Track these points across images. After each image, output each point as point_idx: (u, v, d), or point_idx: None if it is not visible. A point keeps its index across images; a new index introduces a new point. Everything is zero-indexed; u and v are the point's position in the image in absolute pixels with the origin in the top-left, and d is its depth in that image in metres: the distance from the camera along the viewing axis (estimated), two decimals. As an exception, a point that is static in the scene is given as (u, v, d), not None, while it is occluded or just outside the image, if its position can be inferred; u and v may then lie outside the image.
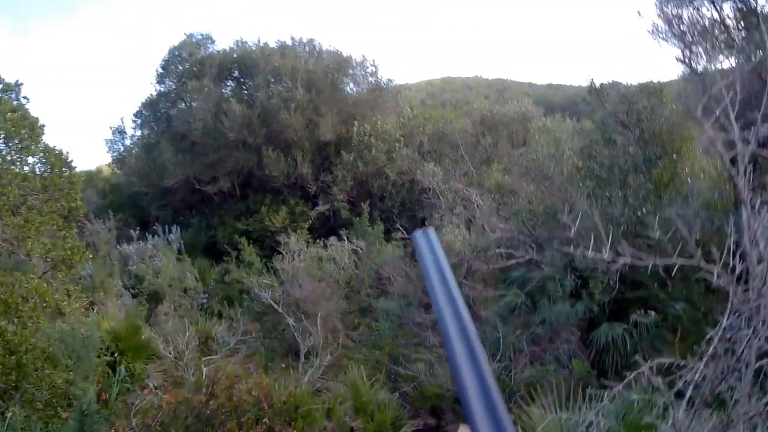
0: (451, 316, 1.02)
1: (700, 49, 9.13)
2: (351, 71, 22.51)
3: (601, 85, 10.92)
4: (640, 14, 9.35)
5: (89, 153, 71.64)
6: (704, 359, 2.81)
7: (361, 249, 14.31)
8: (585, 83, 11.50)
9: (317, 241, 14.94)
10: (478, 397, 0.91)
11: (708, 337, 2.89)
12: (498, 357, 8.64)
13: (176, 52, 23.03)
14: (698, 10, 8.81)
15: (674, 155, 10.24)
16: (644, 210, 9.41)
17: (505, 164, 18.00)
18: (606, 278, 8.95)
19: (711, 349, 2.81)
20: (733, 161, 8.14)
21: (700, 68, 9.24)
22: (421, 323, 11.06)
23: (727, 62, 9.13)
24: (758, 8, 8.01)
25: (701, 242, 9.87)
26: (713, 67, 9.26)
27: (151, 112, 23.59)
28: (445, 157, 19.87)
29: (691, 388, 2.78)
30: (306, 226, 18.06)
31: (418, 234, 1.25)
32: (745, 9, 8.23)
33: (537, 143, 12.65)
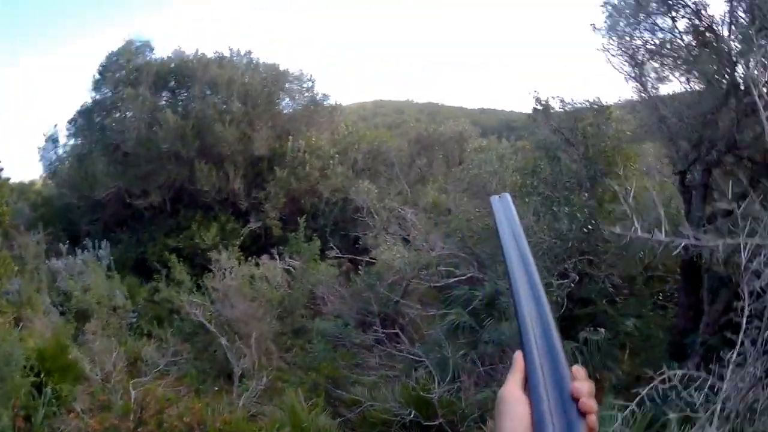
0: (524, 276, 1.05)
1: (651, 67, 9.11)
2: (287, 85, 22.05)
3: (548, 100, 10.81)
4: (595, 27, 9.18)
5: (25, 165, 67.80)
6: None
7: (295, 268, 13.84)
8: (518, 108, 11.49)
9: (249, 259, 14.38)
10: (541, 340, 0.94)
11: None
12: (446, 378, 8.29)
13: (114, 58, 21.97)
14: (651, 27, 8.76)
15: (620, 171, 10.25)
16: (590, 227, 9.32)
17: (440, 183, 17.89)
18: (554, 295, 8.76)
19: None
20: (683, 178, 8.08)
21: (650, 87, 9.23)
22: (360, 344, 10.67)
23: (677, 82, 9.14)
24: (714, 26, 7.98)
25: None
26: (663, 86, 9.29)
27: (86, 120, 22.23)
28: (379, 176, 19.65)
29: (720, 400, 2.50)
30: (237, 243, 17.41)
31: (495, 198, 1.31)
32: (700, 26, 8.21)
33: (478, 159, 12.48)
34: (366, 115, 45.66)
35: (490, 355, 8.78)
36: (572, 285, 8.93)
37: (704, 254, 9.01)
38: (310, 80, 22.29)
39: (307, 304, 13.08)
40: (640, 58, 9.06)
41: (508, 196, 1.29)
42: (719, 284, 9.12)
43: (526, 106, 11.38)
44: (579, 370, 0.91)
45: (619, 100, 10.73)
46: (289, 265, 13.91)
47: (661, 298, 10.05)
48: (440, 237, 11.39)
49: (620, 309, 9.22)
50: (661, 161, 10.22)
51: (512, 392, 0.91)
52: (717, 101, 7.99)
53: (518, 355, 0.95)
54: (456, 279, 10.24)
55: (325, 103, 22.51)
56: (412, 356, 9.47)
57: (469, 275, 10.13)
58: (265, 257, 14.20)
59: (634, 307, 9.37)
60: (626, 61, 9.24)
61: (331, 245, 14.45)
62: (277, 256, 14.24)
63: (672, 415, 4.53)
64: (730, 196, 8.53)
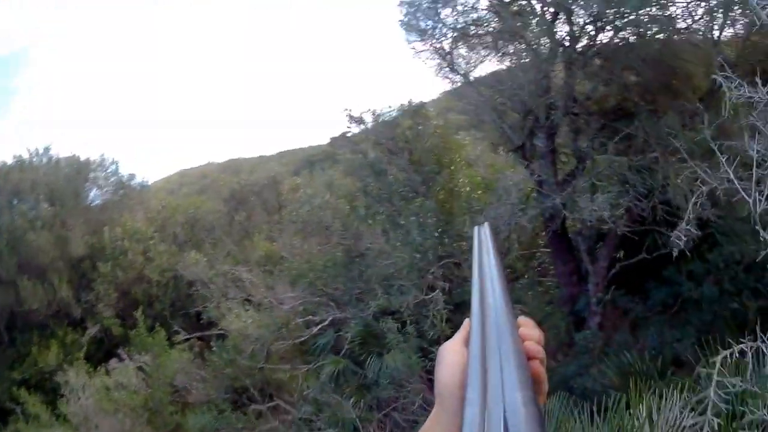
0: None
1: (459, 54, 9.11)
2: (92, 174, 20.85)
3: (361, 116, 10.54)
4: (402, 23, 9.04)
5: None
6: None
7: (147, 364, 12.67)
8: (315, 142, 11.19)
9: (98, 368, 13.21)
10: None
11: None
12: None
13: None
14: (453, 14, 8.73)
15: (451, 168, 10.21)
16: (440, 230, 9.16)
17: (266, 232, 17.36)
18: (431, 312, 8.44)
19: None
20: (524, 152, 8.03)
21: (462, 73, 9.23)
22: (243, 427, 9.84)
23: (491, 63, 9.18)
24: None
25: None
26: (478, 70, 9.33)
27: None
28: (203, 243, 18.78)
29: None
30: (81, 355, 16.00)
31: (476, 228, 1.24)
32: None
33: (305, 195, 11.98)
34: (172, 188, 44.64)
35: (385, 399, 8.31)
36: (443, 293, 8.68)
37: (570, 217, 9.20)
38: (113, 163, 21.21)
39: (171, 399, 11.98)
40: (446, 48, 9.05)
41: (486, 226, 1.23)
42: (596, 242, 9.30)
43: (323, 137, 11.11)
44: (527, 320, 0.89)
45: (440, 96, 10.75)
46: (140, 362, 12.72)
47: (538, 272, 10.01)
48: (287, 288, 10.73)
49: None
50: (494, 142, 10.16)
51: (452, 345, 0.90)
52: (544, 64, 8.07)
53: (467, 320, 0.92)
54: (318, 327, 9.67)
55: (132, 183, 21.51)
56: (302, 420, 8.78)
57: (330, 319, 9.58)
58: (113, 361, 13.00)
59: (518, 293, 9.27)
60: (434, 53, 9.20)
61: (176, 329, 13.40)
62: (126, 357, 13.03)
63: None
64: (578, 153, 8.82)
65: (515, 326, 0.84)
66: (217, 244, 17.51)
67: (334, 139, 10.81)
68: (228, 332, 11.43)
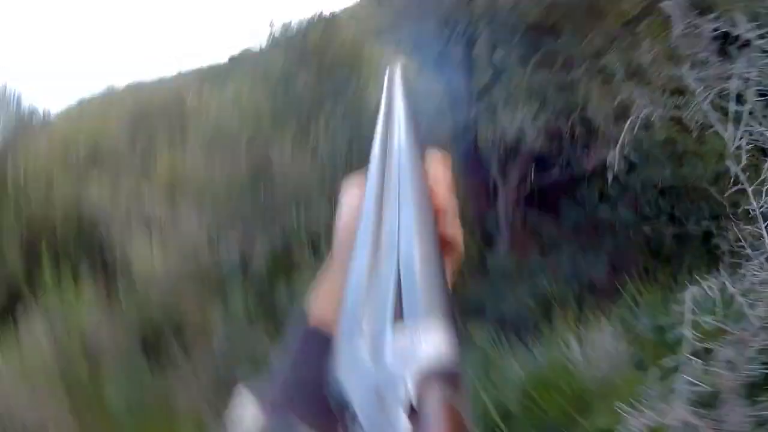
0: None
1: None
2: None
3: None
4: None
5: None
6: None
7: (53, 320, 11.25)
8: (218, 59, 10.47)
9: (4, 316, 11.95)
10: None
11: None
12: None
13: None
14: None
15: (360, 78, 9.81)
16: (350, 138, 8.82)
17: (170, 154, 16.41)
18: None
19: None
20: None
21: None
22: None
23: None
24: None
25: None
26: None
27: None
28: (106, 172, 17.57)
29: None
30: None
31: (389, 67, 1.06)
32: None
33: (214, 106, 11.29)
34: (72, 117, 42.83)
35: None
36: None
37: (482, 132, 8.99)
38: (14, 96, 19.57)
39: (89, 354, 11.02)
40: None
41: (398, 66, 1.02)
42: (506, 159, 9.11)
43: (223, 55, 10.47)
44: (438, 155, 0.74)
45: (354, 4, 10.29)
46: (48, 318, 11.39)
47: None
48: (190, 212, 10.00)
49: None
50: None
51: (357, 180, 0.75)
52: None
53: None
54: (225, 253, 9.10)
55: (33, 117, 19.99)
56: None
57: (237, 244, 9.05)
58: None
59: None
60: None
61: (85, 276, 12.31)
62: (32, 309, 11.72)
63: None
64: (495, 65, 8.58)
65: (421, 170, 0.72)
66: (120, 172, 16.57)
67: (233, 58, 10.17)
68: (133, 268, 10.62)
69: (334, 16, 10.08)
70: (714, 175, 6.65)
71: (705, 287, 2.93)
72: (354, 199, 0.74)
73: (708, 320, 2.98)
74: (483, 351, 5.39)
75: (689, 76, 5.59)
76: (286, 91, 9.72)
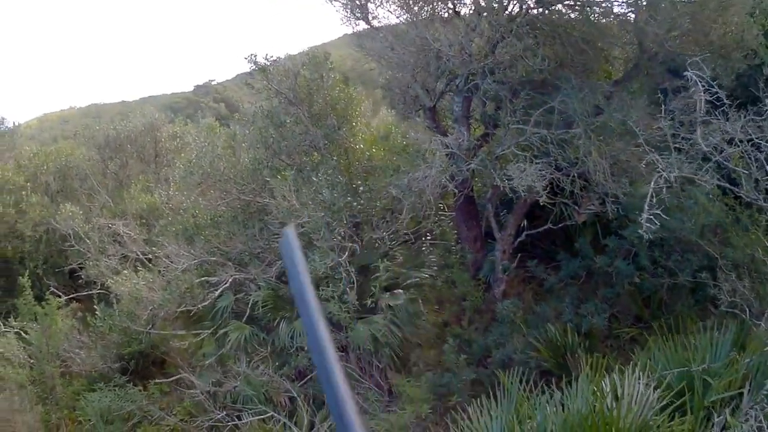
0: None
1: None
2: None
3: (266, 61, 9.81)
4: None
5: None
6: None
7: (24, 332, 10.49)
8: (182, 87, 10.29)
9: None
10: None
11: None
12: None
13: None
14: None
15: (354, 123, 9.94)
16: (356, 185, 8.95)
17: (142, 183, 16.13)
18: (341, 275, 8.18)
19: None
20: (433, 114, 7.93)
21: (359, 27, 8.98)
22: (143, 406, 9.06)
23: (393, 16, 8.93)
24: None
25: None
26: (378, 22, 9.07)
27: None
28: (77, 194, 17.04)
29: None
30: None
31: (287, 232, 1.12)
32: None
33: (198, 145, 11.08)
34: (33, 133, 41.31)
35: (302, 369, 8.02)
36: (354, 255, 8.47)
37: (485, 181, 9.18)
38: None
39: (62, 371, 10.36)
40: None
41: (291, 230, 1.12)
42: (502, 210, 9.42)
43: (187, 84, 10.28)
44: None
45: (338, 39, 10.38)
46: (19, 329, 10.75)
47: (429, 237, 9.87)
48: (179, 246, 9.82)
49: (407, 262, 9.04)
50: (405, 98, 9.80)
51: None
52: (466, 27, 7.95)
53: None
54: (218, 289, 8.99)
55: (3, 128, 19.17)
56: (204, 395, 8.15)
57: (230, 280, 8.92)
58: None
59: (413, 259, 9.23)
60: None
61: (53, 290, 11.81)
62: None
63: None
64: (490, 120, 8.83)
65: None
66: (92, 195, 15.98)
67: (198, 87, 10.02)
68: (114, 294, 10.29)
69: (325, 58, 10.10)
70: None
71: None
72: None
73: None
74: (510, 398, 5.45)
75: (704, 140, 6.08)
76: (278, 131, 9.75)
